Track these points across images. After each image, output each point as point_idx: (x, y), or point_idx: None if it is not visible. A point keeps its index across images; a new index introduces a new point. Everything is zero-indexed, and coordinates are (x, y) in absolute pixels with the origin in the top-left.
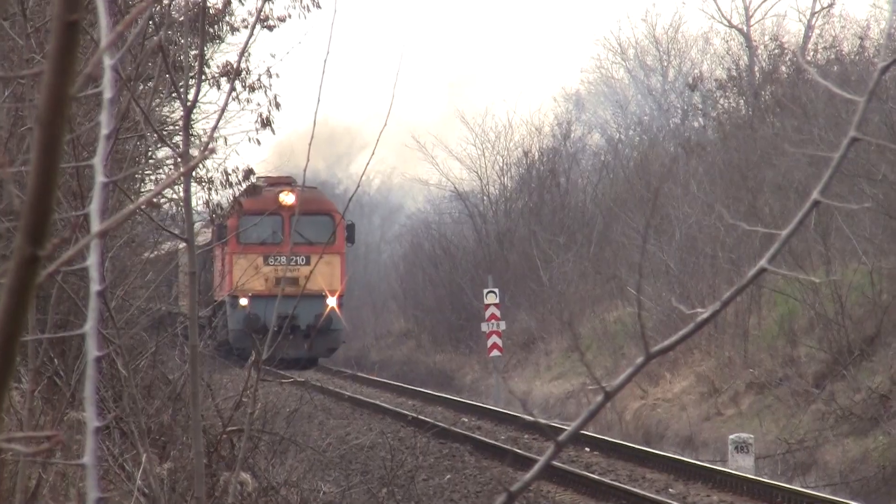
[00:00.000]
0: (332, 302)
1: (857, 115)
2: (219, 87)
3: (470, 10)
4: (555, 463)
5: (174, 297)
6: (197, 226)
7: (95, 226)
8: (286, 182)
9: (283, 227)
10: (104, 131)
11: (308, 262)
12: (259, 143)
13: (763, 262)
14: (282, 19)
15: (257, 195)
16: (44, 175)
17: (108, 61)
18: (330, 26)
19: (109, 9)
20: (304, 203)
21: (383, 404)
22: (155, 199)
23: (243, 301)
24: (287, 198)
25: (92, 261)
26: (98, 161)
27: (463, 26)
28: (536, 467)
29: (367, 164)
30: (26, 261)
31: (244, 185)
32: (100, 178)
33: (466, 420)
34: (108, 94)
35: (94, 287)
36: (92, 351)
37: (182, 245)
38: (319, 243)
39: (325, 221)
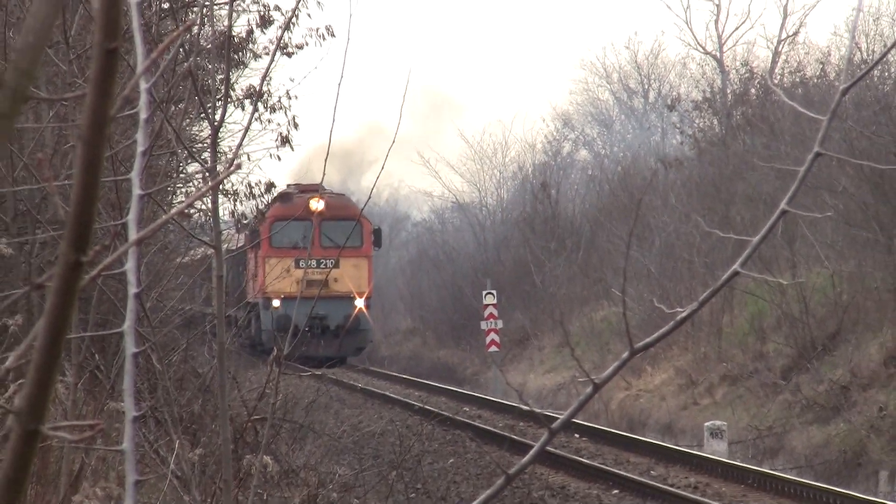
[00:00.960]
0: (360, 303)
1: (821, 133)
2: (243, 109)
3: (470, 36)
4: (548, 448)
5: (203, 298)
6: (226, 233)
7: (133, 234)
8: (315, 189)
9: (313, 232)
10: (140, 148)
11: (337, 265)
12: (280, 158)
13: (736, 266)
14: (299, 47)
15: (289, 202)
16: (86, 188)
17: (143, 85)
18: (343, 53)
19: (144, 38)
20: (333, 209)
21: (392, 395)
22: (186, 210)
23: (276, 302)
24: (316, 203)
25: (130, 266)
26: (135, 175)
27: (463, 51)
28: (532, 452)
29: (377, 177)
30: (70, 266)
31: (266, 197)
32: (136, 191)
33: (468, 409)
34: (143, 115)
35: (132, 290)
36: (130, 347)
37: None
38: (348, 247)
39: (352, 226)
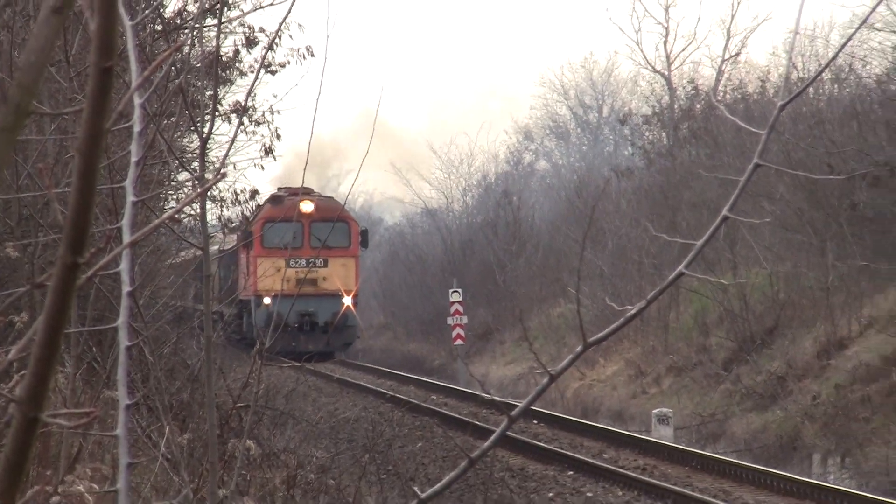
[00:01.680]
0: (347, 301)
1: (760, 145)
2: (229, 122)
3: (440, 55)
4: (508, 433)
5: (193, 295)
6: (217, 235)
7: (127, 237)
8: (306, 192)
9: (304, 233)
10: (134, 158)
11: (326, 265)
12: (263, 168)
13: (681, 268)
14: (282, 65)
15: (280, 204)
16: (82, 195)
17: (137, 100)
18: (322, 71)
19: (139, 57)
20: (322, 211)
21: (366, 385)
22: (176, 216)
23: (267, 300)
24: (306, 206)
25: (124, 266)
26: (129, 183)
27: (434, 68)
28: (493, 437)
29: (353, 185)
30: (68, 267)
31: (250, 203)
32: (130, 198)
33: (435, 398)
34: (137, 128)
35: (125, 288)
36: (123, 341)
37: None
38: (336, 247)
39: (340, 227)
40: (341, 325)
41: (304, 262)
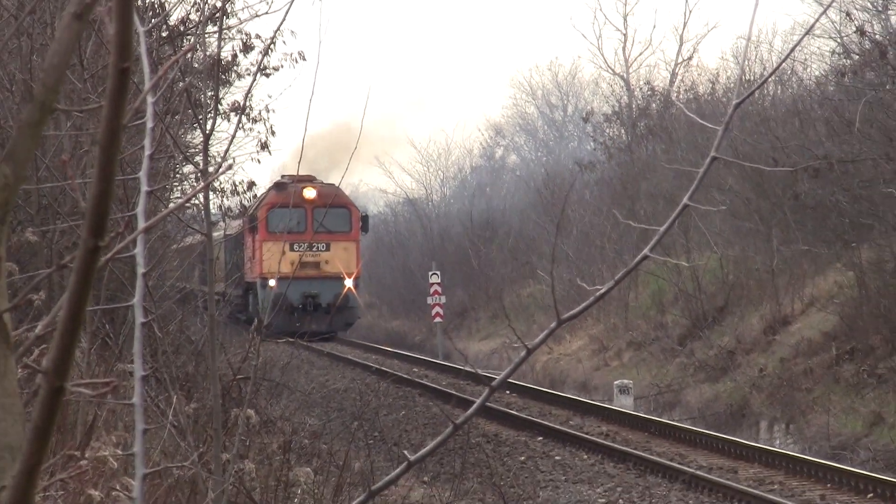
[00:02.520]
0: (349, 283)
1: (717, 140)
2: (229, 120)
3: (419, 58)
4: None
5: (198, 277)
6: (222, 221)
7: (141, 224)
8: (308, 179)
9: (307, 218)
10: (147, 152)
11: (328, 249)
12: (259, 162)
13: (646, 251)
14: (276, 69)
15: (284, 191)
16: (103, 185)
17: (150, 99)
18: (314, 73)
19: (149, 60)
20: (325, 197)
21: (354, 358)
22: (184, 205)
23: (272, 282)
24: (309, 192)
25: (138, 250)
26: (143, 174)
27: (414, 71)
28: (475, 405)
29: (342, 178)
30: (90, 250)
31: (248, 194)
32: (144, 188)
33: (416, 370)
34: (150, 124)
35: (140, 270)
36: (139, 318)
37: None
38: (338, 231)
39: (342, 213)
40: (343, 306)
41: (307, 245)
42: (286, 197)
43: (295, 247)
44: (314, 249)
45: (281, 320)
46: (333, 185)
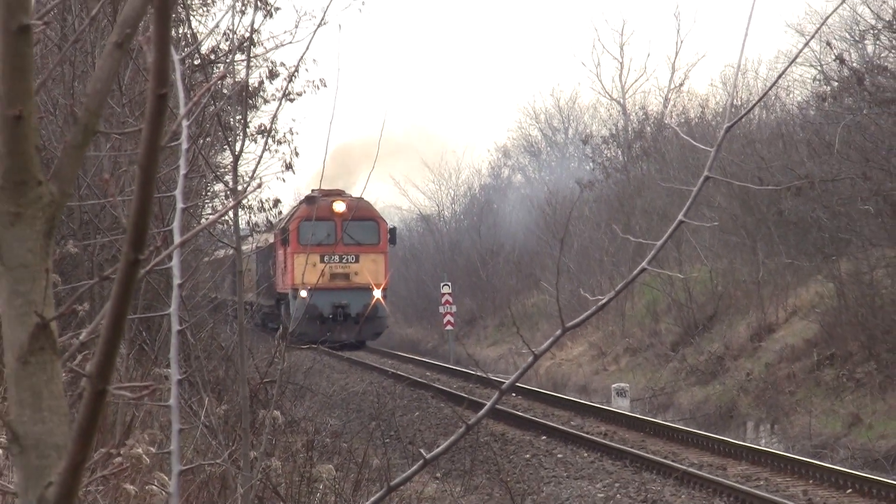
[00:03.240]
0: (377, 294)
1: (710, 161)
2: (256, 142)
3: (434, 85)
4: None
5: (228, 287)
6: (251, 235)
7: (177, 239)
8: (338, 193)
9: (336, 230)
10: (182, 171)
11: (357, 260)
12: (284, 180)
13: (644, 263)
14: (299, 94)
15: (314, 204)
16: (143, 202)
17: (184, 123)
18: (334, 98)
19: (183, 86)
20: (354, 210)
21: (371, 363)
22: (217, 221)
23: (303, 293)
24: (339, 206)
25: (175, 262)
26: (179, 192)
27: (429, 96)
28: (487, 407)
29: (362, 192)
30: (131, 263)
31: (273, 211)
32: (180, 205)
33: (429, 374)
34: (185, 146)
35: (176, 281)
36: (175, 325)
37: (245, 248)
38: (367, 244)
39: (370, 226)
40: (372, 316)
41: (337, 257)
42: (317, 210)
43: (325, 258)
44: (344, 261)
45: (312, 329)
46: (362, 198)
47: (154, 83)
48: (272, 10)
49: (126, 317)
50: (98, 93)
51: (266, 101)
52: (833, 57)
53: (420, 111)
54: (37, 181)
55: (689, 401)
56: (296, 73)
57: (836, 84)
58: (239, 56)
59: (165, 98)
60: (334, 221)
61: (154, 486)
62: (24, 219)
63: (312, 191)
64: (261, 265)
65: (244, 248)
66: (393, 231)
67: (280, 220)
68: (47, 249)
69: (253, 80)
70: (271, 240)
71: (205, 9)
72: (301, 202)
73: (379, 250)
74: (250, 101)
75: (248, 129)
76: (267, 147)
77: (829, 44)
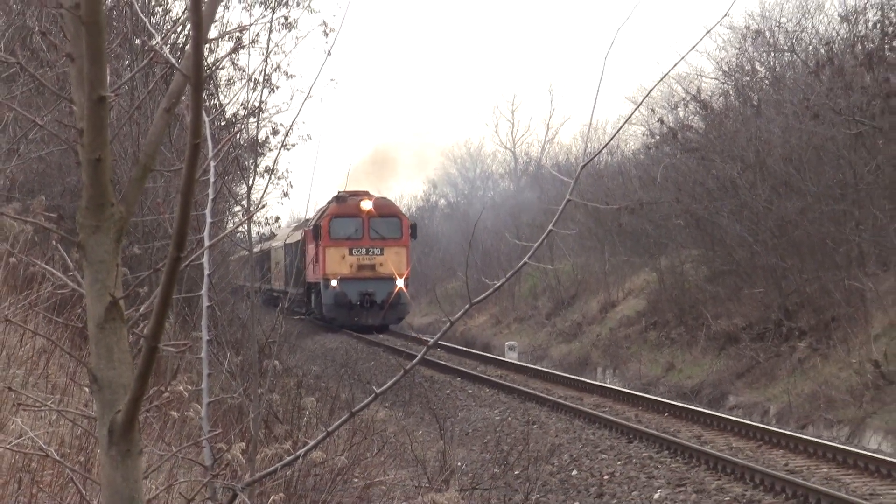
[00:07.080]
0: (400, 283)
1: (570, 189)
2: (263, 178)
3: (381, 133)
4: (426, 356)
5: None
6: (283, 230)
7: (206, 243)
8: (364, 193)
9: (364, 226)
10: (210, 197)
11: (382, 253)
12: (283, 204)
13: (525, 259)
14: (294, 145)
15: (344, 203)
16: (183, 218)
17: (212, 164)
18: (316, 149)
19: (212, 139)
20: (379, 208)
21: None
22: (236, 231)
23: (334, 282)
24: (366, 204)
25: (205, 259)
26: (208, 211)
27: (379, 138)
28: (418, 357)
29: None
30: (174, 259)
31: (273, 225)
32: (208, 220)
33: (381, 336)
34: (212, 179)
35: (206, 272)
36: (205, 302)
37: (275, 244)
38: (390, 238)
39: (394, 222)
40: (395, 302)
41: (364, 250)
42: (346, 208)
43: (353, 251)
44: (370, 253)
45: (341, 315)
46: (386, 198)
47: (191, 136)
48: (274, 88)
49: (171, 296)
50: (153, 143)
51: (270, 150)
52: (656, 119)
53: (372, 152)
54: (111, 204)
55: (558, 353)
56: (290, 131)
57: (657, 137)
58: (252, 119)
59: (199, 147)
60: (361, 218)
61: (190, 413)
62: (102, 230)
63: (339, 192)
64: (289, 256)
65: (273, 244)
66: (414, 227)
67: (309, 219)
68: (118, 251)
69: (261, 136)
70: (298, 237)
71: (228, 87)
72: (330, 202)
73: (401, 244)
74: (259, 150)
75: (257, 169)
76: (271, 181)
77: (653, 110)
